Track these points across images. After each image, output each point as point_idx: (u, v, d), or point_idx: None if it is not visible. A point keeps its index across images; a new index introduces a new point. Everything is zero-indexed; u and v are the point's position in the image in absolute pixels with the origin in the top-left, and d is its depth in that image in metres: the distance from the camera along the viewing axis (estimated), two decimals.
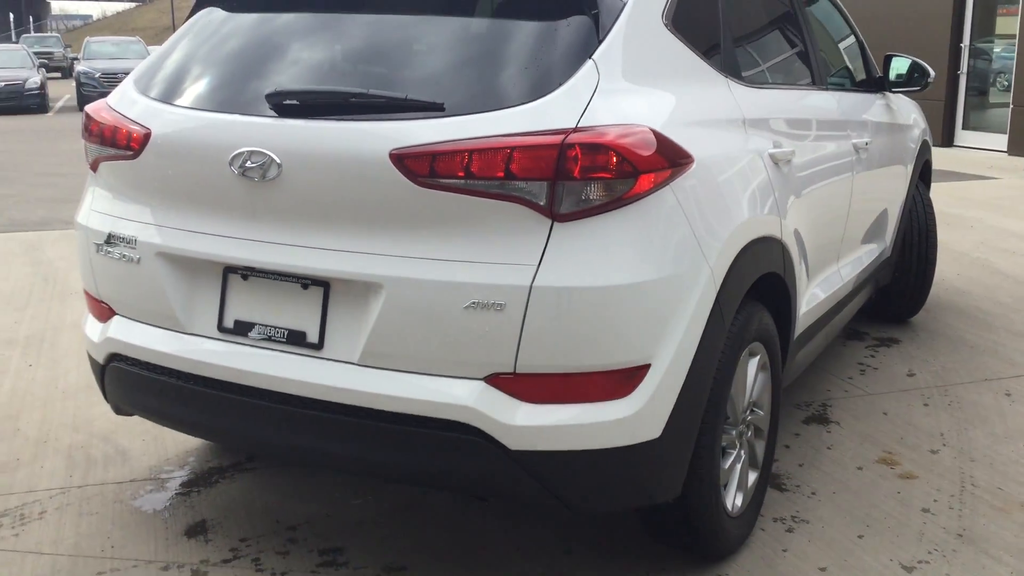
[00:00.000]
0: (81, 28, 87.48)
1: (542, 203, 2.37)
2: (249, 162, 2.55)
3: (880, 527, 3.19)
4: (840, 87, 4.29)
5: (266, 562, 2.97)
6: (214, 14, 3.03)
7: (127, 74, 3.11)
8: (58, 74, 41.79)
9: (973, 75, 13.52)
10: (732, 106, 3.00)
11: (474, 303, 2.39)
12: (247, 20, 2.93)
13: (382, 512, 3.27)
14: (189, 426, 3.01)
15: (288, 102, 2.59)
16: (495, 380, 2.43)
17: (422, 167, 2.40)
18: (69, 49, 47.63)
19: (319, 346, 2.60)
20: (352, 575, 2.91)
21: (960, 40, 13.40)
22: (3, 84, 23.68)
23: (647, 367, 2.47)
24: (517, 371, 2.41)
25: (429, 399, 2.46)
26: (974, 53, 13.44)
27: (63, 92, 29.45)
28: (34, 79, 24.24)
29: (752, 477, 3.12)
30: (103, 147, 2.91)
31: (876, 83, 4.63)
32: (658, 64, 2.76)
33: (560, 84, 2.47)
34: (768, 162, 3.05)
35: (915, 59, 4.59)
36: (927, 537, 3.13)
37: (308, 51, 2.75)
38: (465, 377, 2.45)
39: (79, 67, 25.49)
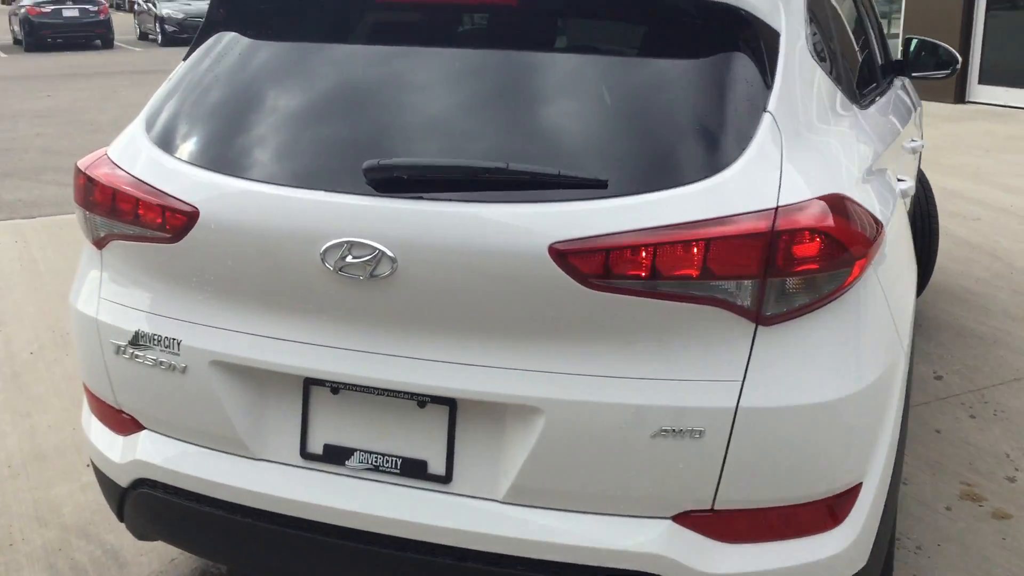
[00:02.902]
0: None
1: (746, 304, 1.91)
2: (350, 256, 1.99)
3: None
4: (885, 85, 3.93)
5: None
6: (241, 42, 2.39)
7: None
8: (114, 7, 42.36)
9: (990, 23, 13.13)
10: (869, 142, 2.59)
11: (664, 430, 1.92)
12: (313, 54, 2.28)
13: None
14: (253, 568, 2.41)
15: (396, 176, 2.02)
16: (687, 519, 1.99)
17: (593, 265, 1.89)
18: None
19: (446, 479, 2.08)
20: None
21: None
22: (69, 19, 24.49)
23: (859, 487, 2.07)
24: (716, 507, 1.98)
25: (601, 546, 1.99)
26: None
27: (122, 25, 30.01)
28: (102, 17, 24.98)
29: None
30: (119, 223, 2.27)
31: (896, 67, 4.30)
32: (817, 106, 2.30)
33: (742, 149, 1.98)
34: (901, 202, 2.67)
35: (940, 43, 4.27)
36: None
37: (406, 106, 2.12)
38: (648, 516, 2.00)
39: (164, 10, 25.81)
